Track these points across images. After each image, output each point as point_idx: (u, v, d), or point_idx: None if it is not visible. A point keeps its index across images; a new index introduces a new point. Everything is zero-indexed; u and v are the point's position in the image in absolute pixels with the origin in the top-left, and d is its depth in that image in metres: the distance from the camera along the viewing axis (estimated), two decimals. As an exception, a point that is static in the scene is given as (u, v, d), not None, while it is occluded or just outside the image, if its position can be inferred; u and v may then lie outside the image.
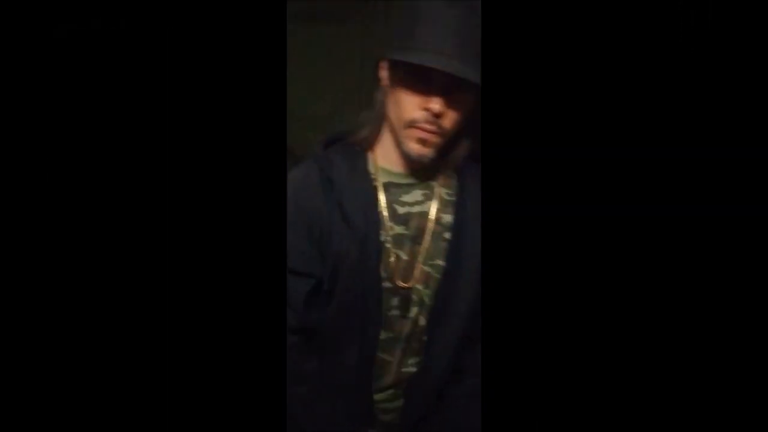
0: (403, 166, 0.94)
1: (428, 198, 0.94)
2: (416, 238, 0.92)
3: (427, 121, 0.85)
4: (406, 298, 0.92)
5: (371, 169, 0.94)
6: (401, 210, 0.93)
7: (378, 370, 0.93)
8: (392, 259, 0.91)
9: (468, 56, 0.81)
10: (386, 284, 0.91)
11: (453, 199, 0.94)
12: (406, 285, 0.91)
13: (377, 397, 0.94)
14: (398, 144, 0.90)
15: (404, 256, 0.92)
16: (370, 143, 0.95)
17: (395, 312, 0.92)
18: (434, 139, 0.87)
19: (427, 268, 0.92)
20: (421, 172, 0.94)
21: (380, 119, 0.93)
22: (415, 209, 0.93)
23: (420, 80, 0.84)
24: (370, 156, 0.95)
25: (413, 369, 0.94)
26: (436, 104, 0.83)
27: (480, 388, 0.90)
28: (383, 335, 0.92)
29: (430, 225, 0.92)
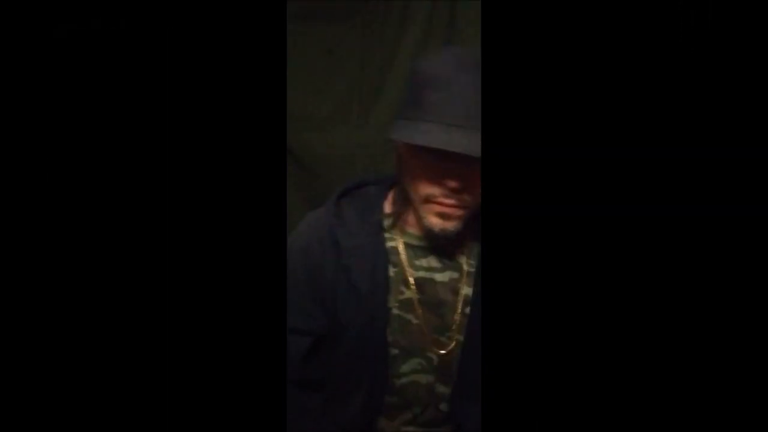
0: (426, 236, 0.87)
1: (447, 267, 0.87)
2: (433, 307, 0.86)
3: (446, 196, 0.79)
4: (422, 368, 0.86)
5: (386, 232, 0.87)
6: (416, 274, 0.86)
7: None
8: (405, 326, 0.85)
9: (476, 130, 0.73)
10: (394, 351, 0.86)
11: (472, 269, 0.87)
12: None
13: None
14: (419, 217, 0.84)
15: (415, 321, 0.86)
16: (399, 218, 0.88)
17: (404, 379, 0.87)
18: (457, 212, 0.81)
19: (443, 339, 0.86)
20: (446, 244, 0.87)
21: (402, 197, 0.86)
22: (430, 275, 0.87)
23: (434, 154, 0.76)
24: (388, 220, 0.88)
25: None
26: (453, 182, 0.77)
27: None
28: (390, 400, 0.87)
29: (448, 296, 0.87)
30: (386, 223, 0.87)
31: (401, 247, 0.87)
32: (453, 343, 0.86)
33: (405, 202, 0.86)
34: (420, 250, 0.87)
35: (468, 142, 0.73)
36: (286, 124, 0.83)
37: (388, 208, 0.88)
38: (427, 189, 0.80)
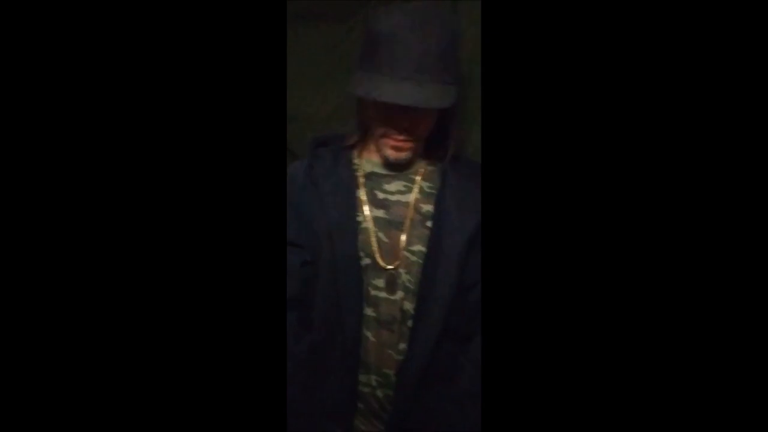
0: (384, 163, 1.02)
1: (409, 189, 1.00)
2: (397, 224, 0.98)
3: (399, 133, 0.94)
4: (391, 279, 0.96)
5: (355, 161, 1.02)
6: (381, 195, 1.00)
7: (363, 352, 0.96)
8: (373, 239, 0.96)
9: (433, 79, 0.88)
10: (366, 261, 0.96)
11: (433, 192, 1.00)
12: (389, 266, 0.95)
13: (362, 378, 0.96)
14: (378, 148, 0.99)
15: (385, 239, 0.97)
16: (356, 147, 1.03)
17: (380, 293, 0.96)
18: (408, 145, 0.96)
19: (407, 254, 0.97)
20: (402, 168, 1.02)
21: (363, 128, 1.01)
22: (395, 197, 1.00)
23: (386, 103, 0.89)
24: (355, 153, 1.03)
25: (401, 357, 0.96)
26: (404, 122, 0.93)
27: (473, 390, 0.93)
28: (369, 312, 0.96)
29: (411, 212, 0.98)
30: (355, 160, 1.03)
31: (369, 175, 1.01)
32: (420, 261, 0.96)
33: (365, 136, 1.02)
34: (387, 178, 1.01)
35: (416, 93, 0.87)
36: (286, 124, 0.83)
37: (352, 142, 1.03)
38: (382, 128, 0.95)
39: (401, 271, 0.96)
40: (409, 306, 0.96)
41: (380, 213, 0.99)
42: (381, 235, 0.97)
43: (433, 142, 1.00)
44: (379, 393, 0.97)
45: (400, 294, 0.96)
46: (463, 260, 0.96)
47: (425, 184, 1.01)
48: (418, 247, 0.97)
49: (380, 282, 0.96)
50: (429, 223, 0.98)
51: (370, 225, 0.97)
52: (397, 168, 1.01)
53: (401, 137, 0.95)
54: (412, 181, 1.01)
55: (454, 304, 0.95)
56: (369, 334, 0.96)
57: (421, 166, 1.02)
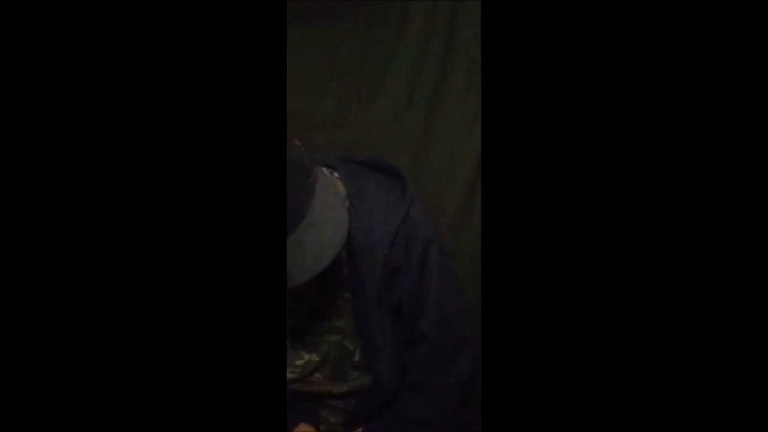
0: None
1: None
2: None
3: None
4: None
5: None
6: None
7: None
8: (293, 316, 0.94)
9: None
10: None
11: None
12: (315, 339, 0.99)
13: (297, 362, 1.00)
14: None
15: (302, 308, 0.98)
16: None
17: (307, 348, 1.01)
18: None
19: (338, 300, 0.98)
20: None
21: None
22: None
23: None
24: None
25: (344, 386, 1.01)
26: None
27: (426, 385, 0.98)
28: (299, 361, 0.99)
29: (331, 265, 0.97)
30: None
31: None
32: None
33: None
34: None
35: None
36: (286, 124, 0.83)
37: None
38: None
39: (333, 318, 1.00)
40: (351, 345, 0.99)
41: None
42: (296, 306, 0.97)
43: None
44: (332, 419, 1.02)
45: (334, 337, 1.00)
46: (384, 295, 0.96)
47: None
48: (345, 294, 0.98)
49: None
50: (345, 270, 0.97)
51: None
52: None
53: None
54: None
55: (397, 335, 0.98)
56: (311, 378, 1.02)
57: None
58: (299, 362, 1.01)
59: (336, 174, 1.00)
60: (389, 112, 1.25)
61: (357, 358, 1.01)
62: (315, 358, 1.00)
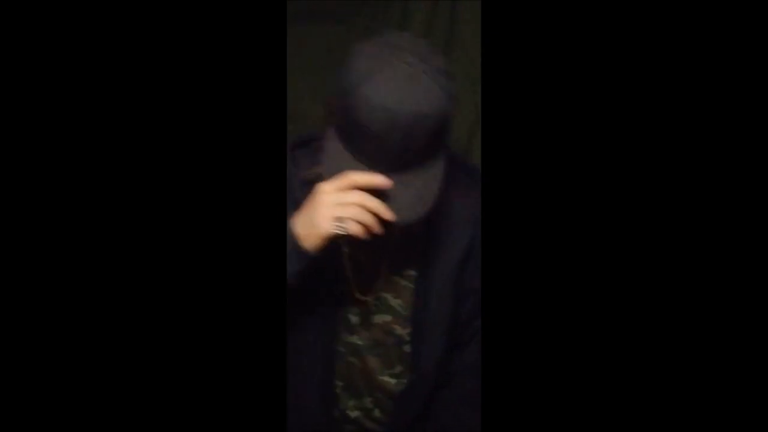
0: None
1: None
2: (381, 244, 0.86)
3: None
4: (365, 311, 0.89)
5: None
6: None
7: (344, 374, 0.91)
8: (347, 261, 0.87)
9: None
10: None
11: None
12: (364, 298, 0.88)
13: (352, 403, 0.93)
14: None
15: (363, 260, 0.88)
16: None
17: (355, 318, 0.90)
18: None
19: (396, 277, 0.89)
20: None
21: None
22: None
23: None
24: None
25: (392, 380, 0.92)
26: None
27: (472, 391, 0.90)
28: (348, 338, 0.90)
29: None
30: None
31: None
32: (411, 285, 0.90)
33: None
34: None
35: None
36: (286, 124, 0.82)
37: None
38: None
39: (386, 295, 0.89)
40: (401, 331, 0.90)
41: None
42: (359, 256, 0.88)
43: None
44: (377, 413, 0.93)
45: (381, 318, 0.90)
46: (458, 278, 0.89)
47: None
48: (409, 271, 0.89)
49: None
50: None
51: (347, 248, 0.87)
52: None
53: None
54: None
55: (453, 323, 0.90)
56: (353, 359, 0.91)
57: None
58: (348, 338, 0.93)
59: None
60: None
61: (407, 349, 0.92)
62: (358, 341, 0.92)
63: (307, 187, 0.84)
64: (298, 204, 0.83)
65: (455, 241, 0.88)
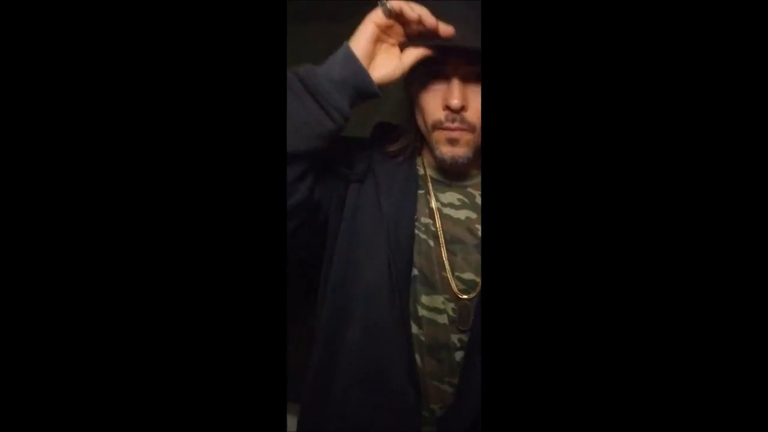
0: (440, 167, 0.90)
1: (464, 205, 0.89)
2: (448, 243, 0.87)
3: (451, 120, 0.83)
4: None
5: (417, 160, 0.92)
6: (433, 204, 0.88)
7: (406, 372, 0.84)
8: (421, 252, 0.85)
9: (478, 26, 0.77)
10: (415, 273, 0.86)
11: None
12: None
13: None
14: (432, 151, 0.87)
15: (432, 255, 0.86)
16: (410, 152, 0.91)
17: (425, 312, 0.86)
18: (464, 136, 0.84)
19: (456, 282, 0.86)
20: (461, 175, 0.90)
21: (413, 128, 0.90)
22: (447, 211, 0.89)
23: (434, 76, 0.82)
24: (416, 152, 0.92)
25: (450, 390, 0.86)
26: (455, 99, 0.81)
27: None
28: (416, 331, 0.85)
29: (461, 232, 0.87)
30: (417, 159, 0.91)
31: (428, 175, 0.90)
32: (471, 291, 0.85)
33: (418, 137, 0.90)
34: (440, 184, 0.90)
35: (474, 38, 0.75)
36: (286, 124, 0.83)
37: (401, 146, 0.91)
38: (433, 116, 0.83)
39: (448, 296, 0.86)
40: (456, 337, 0.85)
41: (431, 223, 0.88)
42: (428, 248, 0.86)
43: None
44: (425, 429, 0.86)
45: (445, 319, 0.86)
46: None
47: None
48: (469, 275, 0.86)
49: (432, 301, 0.86)
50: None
51: (418, 233, 0.86)
52: (455, 173, 0.89)
53: (454, 125, 0.83)
54: (470, 196, 0.89)
55: None
56: (417, 357, 0.85)
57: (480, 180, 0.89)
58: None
59: None
60: (390, 112, 1.25)
61: (458, 358, 0.86)
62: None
63: (392, 174, 0.88)
64: (379, 191, 0.86)
65: None
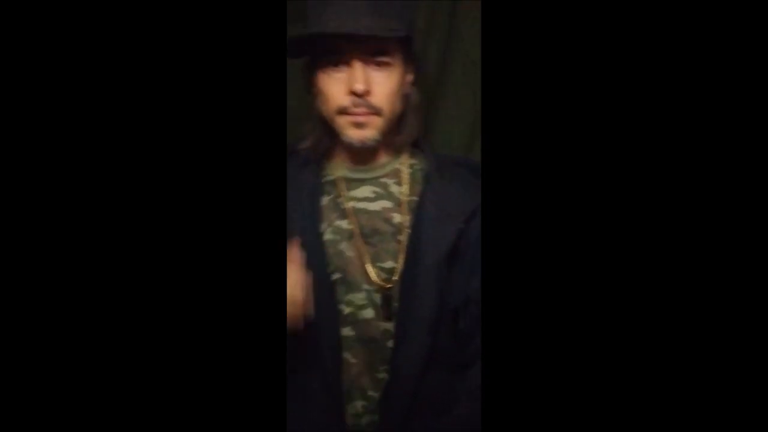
0: (354, 161, 0.92)
1: (378, 196, 0.91)
2: (365, 236, 0.89)
3: (355, 105, 0.84)
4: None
5: (324, 165, 0.93)
6: (347, 204, 0.90)
7: (345, 375, 0.88)
8: (332, 251, 0.88)
9: (382, 15, 0.80)
10: (336, 276, 0.88)
11: (408, 199, 0.90)
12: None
13: (349, 408, 0.89)
14: (339, 137, 0.88)
15: (348, 253, 0.89)
16: (320, 150, 0.92)
17: (357, 311, 0.88)
18: (370, 120, 0.85)
19: (378, 271, 0.88)
20: (374, 167, 0.92)
21: (321, 121, 0.90)
22: (362, 205, 0.90)
23: (335, 62, 0.83)
24: (325, 157, 0.93)
25: (385, 377, 0.88)
26: (358, 84, 0.82)
27: (469, 421, 0.83)
28: (346, 332, 0.88)
29: (378, 223, 0.90)
30: (325, 164, 0.93)
31: (337, 180, 0.91)
32: (390, 277, 0.88)
33: (324, 132, 0.90)
34: (355, 182, 0.91)
35: (369, 22, 0.78)
36: (286, 124, 0.83)
37: (309, 144, 0.92)
38: (336, 101, 0.84)
39: (367, 287, 0.88)
40: (383, 327, 0.88)
41: (344, 223, 0.89)
42: (344, 247, 0.88)
43: (394, 132, 0.90)
44: (365, 419, 0.89)
45: (371, 313, 0.88)
46: (443, 276, 0.87)
47: (397, 190, 0.91)
48: (389, 263, 0.88)
49: (355, 298, 0.88)
50: (401, 237, 0.89)
51: (331, 236, 0.89)
52: (366, 164, 0.91)
53: (360, 110, 0.84)
54: (384, 186, 0.92)
55: (439, 325, 0.87)
56: (348, 355, 0.88)
57: (395, 166, 0.93)
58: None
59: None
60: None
61: (389, 346, 0.88)
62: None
63: (294, 185, 0.88)
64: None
65: (442, 235, 0.87)
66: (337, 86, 0.85)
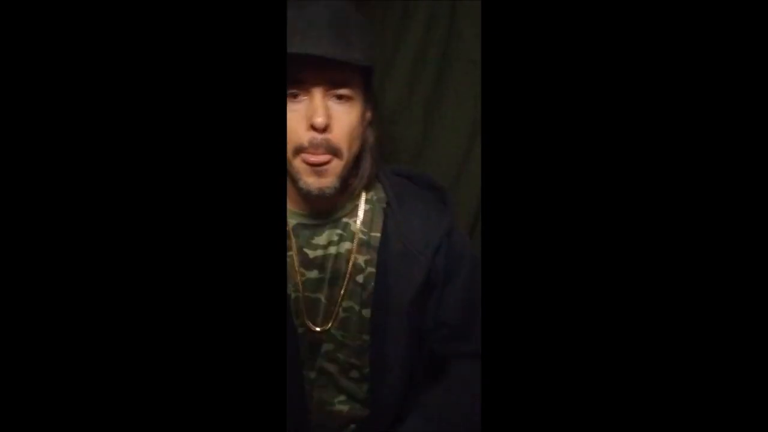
0: (309, 206, 0.87)
1: (342, 238, 0.88)
2: (334, 281, 0.88)
3: (314, 143, 0.78)
4: (315, 341, 0.89)
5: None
6: (312, 254, 0.88)
7: (316, 405, 0.92)
8: (303, 305, 0.87)
9: (346, 43, 0.76)
10: (301, 331, 0.89)
11: (366, 237, 0.88)
12: (317, 328, 0.88)
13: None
14: (295, 183, 0.82)
15: (323, 300, 0.88)
16: None
17: (309, 354, 0.90)
18: (331, 164, 0.80)
19: (343, 313, 0.89)
20: (330, 209, 0.88)
21: None
22: (330, 251, 0.88)
23: (294, 93, 0.79)
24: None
25: (358, 411, 0.93)
26: (318, 117, 0.77)
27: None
28: (313, 375, 0.91)
29: (346, 267, 0.88)
30: None
31: (295, 228, 0.87)
32: (355, 318, 0.89)
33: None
34: (315, 228, 0.88)
35: (327, 46, 0.74)
36: (286, 124, 0.83)
37: None
38: (294, 139, 0.79)
39: (333, 332, 0.89)
40: (348, 359, 0.90)
41: (313, 274, 0.88)
42: (319, 297, 0.88)
43: (352, 172, 0.86)
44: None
45: (328, 346, 0.90)
46: (413, 316, 0.87)
47: (359, 228, 0.88)
48: (349, 304, 0.88)
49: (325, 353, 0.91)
50: (360, 278, 0.88)
51: (302, 292, 0.87)
52: (324, 209, 0.87)
53: (318, 149, 0.78)
54: (345, 227, 0.89)
55: (411, 360, 0.89)
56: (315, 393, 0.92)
57: (355, 205, 0.89)
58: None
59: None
60: (390, 112, 1.25)
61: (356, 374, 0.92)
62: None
63: None
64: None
65: (409, 272, 0.86)
66: (295, 121, 0.79)
